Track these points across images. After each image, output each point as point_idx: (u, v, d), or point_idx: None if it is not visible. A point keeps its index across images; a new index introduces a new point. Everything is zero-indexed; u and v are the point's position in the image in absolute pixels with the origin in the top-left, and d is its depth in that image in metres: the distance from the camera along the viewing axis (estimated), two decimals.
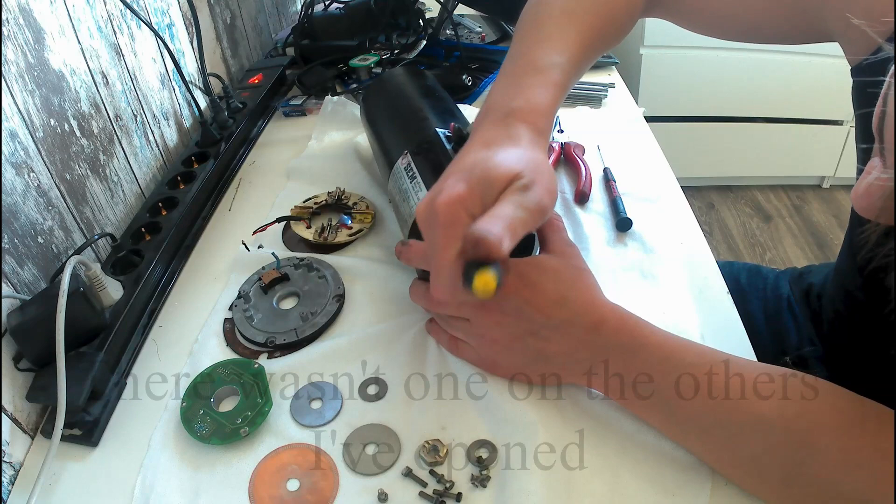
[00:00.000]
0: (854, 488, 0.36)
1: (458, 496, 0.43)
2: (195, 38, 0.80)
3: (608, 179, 0.71)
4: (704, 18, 0.62)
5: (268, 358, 0.54)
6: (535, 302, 0.45)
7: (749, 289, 0.79)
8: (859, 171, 0.35)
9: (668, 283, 0.59)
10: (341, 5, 1.04)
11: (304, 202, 0.71)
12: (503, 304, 0.46)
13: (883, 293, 0.53)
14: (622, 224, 0.65)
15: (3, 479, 0.46)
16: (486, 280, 0.39)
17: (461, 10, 1.07)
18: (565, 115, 0.84)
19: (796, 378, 0.41)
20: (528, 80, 0.53)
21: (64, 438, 0.49)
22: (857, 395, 0.40)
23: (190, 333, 0.58)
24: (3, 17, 0.50)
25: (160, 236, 0.63)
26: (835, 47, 0.52)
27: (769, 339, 0.73)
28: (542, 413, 0.47)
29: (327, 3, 1.05)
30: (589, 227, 0.65)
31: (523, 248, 0.55)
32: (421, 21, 1.05)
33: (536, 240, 0.54)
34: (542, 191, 0.43)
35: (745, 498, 0.42)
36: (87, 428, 0.49)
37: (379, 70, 0.96)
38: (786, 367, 0.42)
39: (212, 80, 0.84)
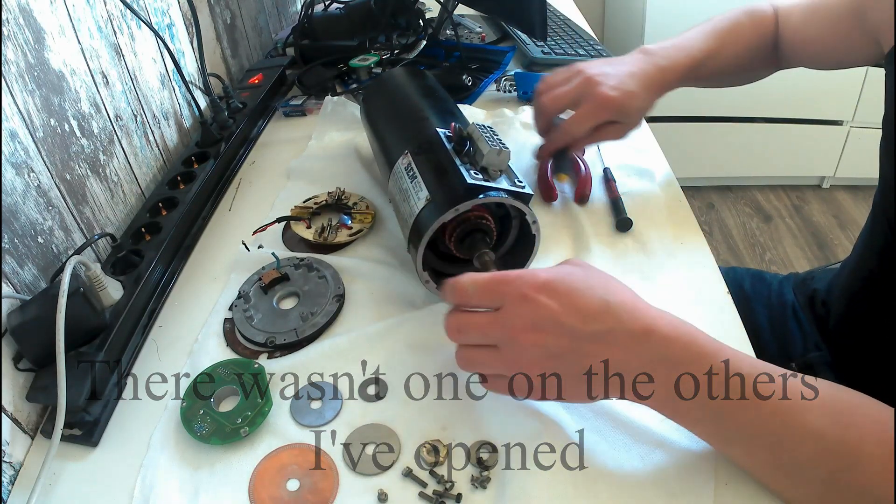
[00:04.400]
0: (891, 499, 0.37)
1: (458, 497, 0.43)
2: (195, 38, 0.80)
3: (608, 179, 0.71)
4: (807, 55, 0.73)
5: (268, 358, 0.54)
6: (572, 313, 0.41)
7: (753, 295, 0.79)
8: None
9: (668, 283, 0.59)
10: (341, 5, 1.04)
11: (304, 202, 0.71)
12: (536, 322, 0.41)
13: None
14: (622, 224, 0.65)
15: (3, 479, 0.46)
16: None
17: (461, 10, 1.07)
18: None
19: (840, 391, 0.41)
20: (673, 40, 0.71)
21: (64, 438, 0.49)
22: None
23: (190, 333, 0.58)
24: (3, 17, 0.50)
25: (160, 236, 0.63)
26: None
27: (774, 346, 0.73)
28: (542, 413, 0.47)
29: (327, 3, 1.05)
30: (589, 227, 0.65)
31: (522, 252, 0.55)
32: (421, 21, 1.05)
33: (537, 242, 0.54)
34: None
35: (748, 499, 0.42)
36: (87, 428, 0.49)
37: (379, 70, 0.96)
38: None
39: (212, 80, 0.84)
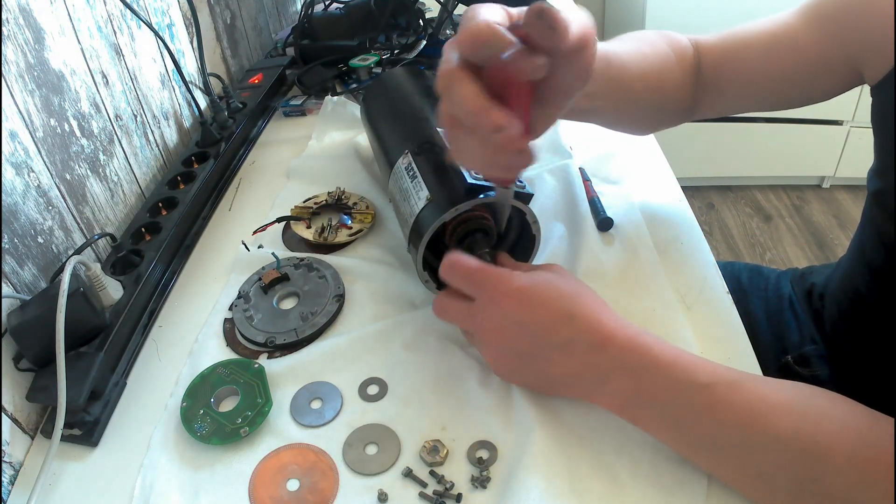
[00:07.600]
0: None
1: (459, 497, 0.43)
2: (195, 38, 0.80)
3: (584, 179, 0.69)
4: (746, 97, 0.65)
5: (268, 358, 0.54)
6: (537, 321, 0.44)
7: (750, 288, 0.79)
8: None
9: (668, 283, 0.59)
10: (341, 5, 1.04)
11: (304, 202, 0.71)
12: (501, 325, 0.45)
13: (893, 294, 0.53)
14: (603, 224, 0.64)
15: (3, 479, 0.46)
16: None
17: (461, 10, 1.06)
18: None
19: (814, 397, 0.40)
20: None
21: (64, 438, 0.49)
22: (874, 411, 0.39)
23: (190, 333, 0.58)
24: (3, 17, 0.50)
25: (160, 236, 0.63)
26: None
27: (770, 339, 0.73)
28: (541, 413, 0.47)
29: (327, 3, 1.05)
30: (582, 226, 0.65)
31: (522, 252, 0.55)
32: (421, 21, 1.05)
33: (537, 242, 0.55)
34: None
35: (741, 496, 0.42)
36: (87, 428, 0.49)
37: (379, 70, 0.96)
38: (803, 382, 0.42)
39: (212, 80, 0.84)
